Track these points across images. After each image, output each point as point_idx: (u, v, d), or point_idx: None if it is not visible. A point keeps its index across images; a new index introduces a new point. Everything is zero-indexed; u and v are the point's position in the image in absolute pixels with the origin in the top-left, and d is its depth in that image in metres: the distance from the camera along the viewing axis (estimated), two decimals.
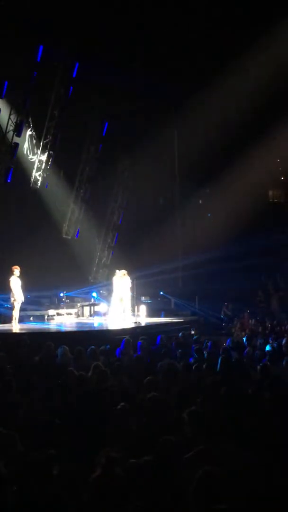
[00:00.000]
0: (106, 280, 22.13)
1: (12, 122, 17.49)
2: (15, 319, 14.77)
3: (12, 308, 14.89)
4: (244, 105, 21.80)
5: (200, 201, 24.53)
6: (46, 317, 17.75)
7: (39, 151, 19.20)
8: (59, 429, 5.43)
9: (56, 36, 17.30)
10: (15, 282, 14.52)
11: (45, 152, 19.23)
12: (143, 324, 15.70)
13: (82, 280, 21.59)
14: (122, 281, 16.73)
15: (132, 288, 16.75)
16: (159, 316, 18.99)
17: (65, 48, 18.08)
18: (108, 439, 4.95)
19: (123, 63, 18.92)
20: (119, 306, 16.82)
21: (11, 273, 14.58)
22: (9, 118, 17.50)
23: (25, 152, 18.81)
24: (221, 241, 22.14)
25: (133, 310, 17.09)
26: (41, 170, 19.38)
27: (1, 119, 17.54)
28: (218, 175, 21.77)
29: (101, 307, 19.17)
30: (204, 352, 10.19)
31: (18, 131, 17.51)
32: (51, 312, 18.12)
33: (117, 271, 17.86)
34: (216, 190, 22.72)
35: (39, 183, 19.42)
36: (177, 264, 22.38)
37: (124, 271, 16.74)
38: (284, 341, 11.36)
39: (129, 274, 17.14)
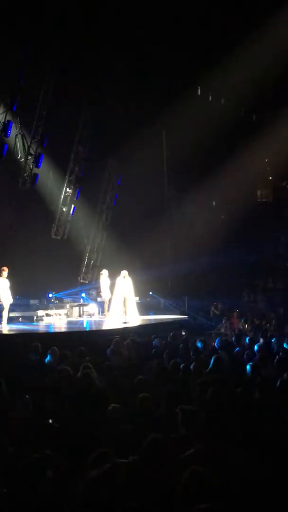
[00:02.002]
0: (95, 280, 22.16)
1: (0, 122, 17.42)
2: (3, 320, 14.72)
3: (1, 309, 14.84)
4: (233, 104, 21.90)
5: (188, 201, 24.56)
6: (35, 318, 17.69)
7: (27, 152, 19.13)
8: (49, 430, 5.42)
9: (43, 36, 17.24)
10: (3, 284, 14.47)
11: (34, 153, 19.16)
12: (132, 324, 15.68)
13: (72, 281, 21.53)
14: (124, 281, 16.82)
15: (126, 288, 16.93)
16: (148, 316, 18.98)
17: (52, 48, 18.02)
18: (99, 439, 4.94)
19: (111, 63, 18.91)
20: (121, 307, 16.90)
21: None
22: None
23: (13, 153, 18.72)
24: (210, 240, 22.20)
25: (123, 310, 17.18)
26: (30, 171, 19.31)
27: None
28: (206, 175, 21.81)
29: (90, 307, 19.15)
30: (193, 351, 10.20)
31: (6, 131, 17.44)
32: (40, 313, 18.05)
33: (105, 270, 17.90)
34: (204, 190, 22.76)
35: (27, 183, 19.35)
36: (167, 264, 22.36)
37: (125, 272, 16.84)
38: (273, 340, 11.43)
39: (119, 274, 17.23)
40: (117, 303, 17.11)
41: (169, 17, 17.42)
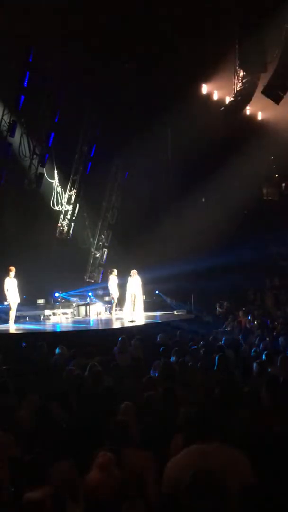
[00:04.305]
0: (102, 280, 22.24)
1: (5, 122, 17.46)
2: (11, 319, 14.80)
3: (9, 309, 14.92)
4: (238, 102, 21.76)
5: (194, 199, 24.52)
6: (42, 317, 17.74)
7: (32, 152, 19.17)
8: (57, 430, 5.43)
9: (48, 37, 17.25)
10: (9, 283, 14.54)
11: (39, 153, 19.19)
12: (139, 323, 15.70)
13: (77, 280, 21.57)
14: (134, 280, 17.14)
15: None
16: (155, 314, 19.00)
17: (56, 48, 18.03)
18: (106, 438, 4.94)
19: (115, 63, 18.89)
20: (131, 304, 17.28)
21: (6, 274, 14.61)
22: (2, 118, 17.47)
23: (18, 153, 18.76)
24: (216, 239, 22.15)
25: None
26: (35, 171, 19.34)
27: None
28: (211, 173, 21.76)
29: (97, 306, 19.19)
30: (200, 350, 10.19)
31: (11, 131, 17.48)
32: (47, 312, 18.11)
33: (114, 270, 17.99)
34: (210, 188, 22.72)
35: (33, 183, 19.38)
36: (172, 263, 22.31)
37: (135, 271, 17.23)
38: (281, 339, 11.41)
39: (124, 273, 17.50)
40: (127, 302, 17.41)
41: (173, 16, 17.36)
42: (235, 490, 3.45)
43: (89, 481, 3.26)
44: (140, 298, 17.63)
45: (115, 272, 17.89)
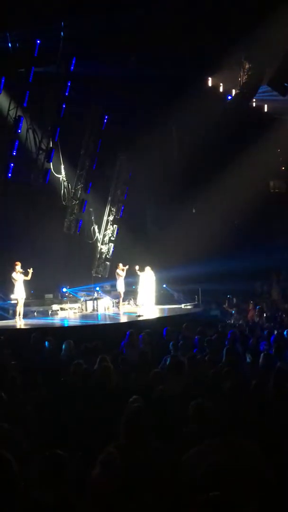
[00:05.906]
0: (108, 274, 22.27)
1: (11, 117, 17.45)
2: (19, 314, 14.88)
3: (16, 304, 14.99)
4: (244, 94, 21.63)
5: (200, 193, 24.42)
6: (50, 312, 17.79)
7: (39, 147, 19.16)
8: (65, 425, 5.43)
9: (53, 31, 17.19)
10: (16, 278, 14.65)
11: (45, 148, 19.18)
12: (147, 317, 15.70)
13: (85, 275, 21.60)
14: (148, 275, 17.64)
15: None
16: (162, 309, 19.00)
17: (63, 42, 17.96)
18: (116, 434, 4.94)
19: (122, 57, 18.79)
20: (144, 297, 17.87)
21: (13, 269, 14.71)
22: (8, 114, 17.46)
23: (24, 148, 18.75)
24: (223, 232, 22.09)
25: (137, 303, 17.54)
26: (42, 166, 19.33)
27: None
28: (219, 167, 21.67)
29: (104, 301, 19.21)
30: (207, 343, 10.16)
31: (17, 126, 17.47)
32: (55, 307, 18.16)
33: (120, 264, 18.05)
34: (216, 182, 22.63)
35: (39, 178, 19.38)
36: (179, 257, 22.27)
37: (148, 267, 17.76)
38: (285, 332, 11.35)
39: (131, 268, 17.69)
40: (141, 296, 17.76)
41: (177, 7, 17.23)
42: (245, 483, 3.45)
43: (94, 477, 3.25)
44: (152, 294, 17.85)
45: (121, 266, 17.97)
